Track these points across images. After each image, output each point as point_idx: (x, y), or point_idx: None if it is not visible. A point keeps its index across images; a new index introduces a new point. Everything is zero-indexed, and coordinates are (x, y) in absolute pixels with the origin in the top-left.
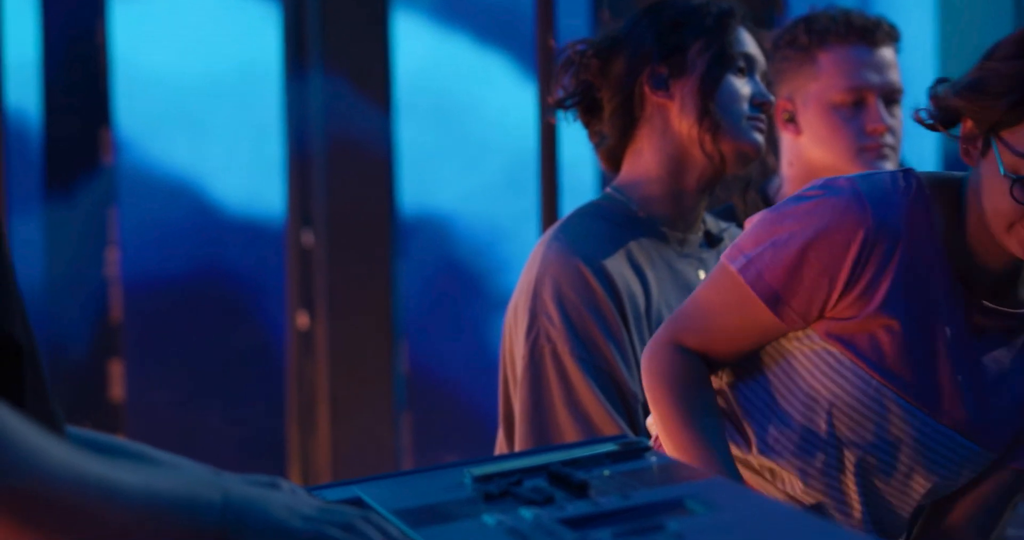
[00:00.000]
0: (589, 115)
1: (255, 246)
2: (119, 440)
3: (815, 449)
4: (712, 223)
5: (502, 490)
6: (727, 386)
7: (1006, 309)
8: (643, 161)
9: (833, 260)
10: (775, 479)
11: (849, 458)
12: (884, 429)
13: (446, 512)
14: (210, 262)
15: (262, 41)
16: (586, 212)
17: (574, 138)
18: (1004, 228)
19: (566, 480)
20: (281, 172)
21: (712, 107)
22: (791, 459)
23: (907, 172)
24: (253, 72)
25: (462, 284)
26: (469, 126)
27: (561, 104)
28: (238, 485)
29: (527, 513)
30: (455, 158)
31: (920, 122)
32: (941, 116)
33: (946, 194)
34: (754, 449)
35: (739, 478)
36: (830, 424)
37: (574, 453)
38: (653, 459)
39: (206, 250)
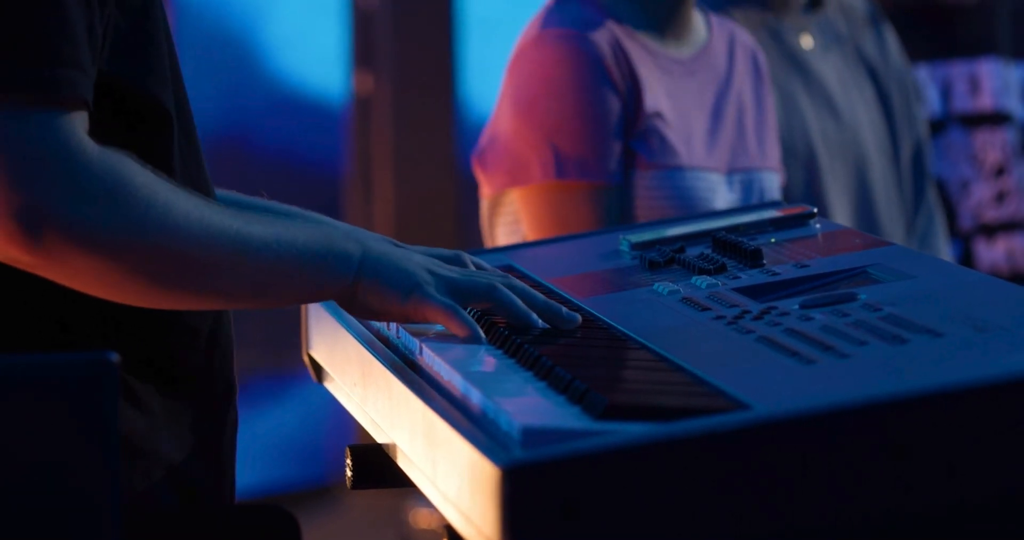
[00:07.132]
0: None
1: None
2: (269, 202)
3: None
4: None
5: (666, 258)
6: None
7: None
8: None
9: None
10: None
11: None
12: None
13: (610, 281)
14: None
15: None
16: None
17: None
18: None
19: (736, 248)
20: None
21: None
22: None
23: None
24: None
25: None
26: None
27: None
28: (380, 242)
29: (700, 282)
30: None
31: None
32: None
33: None
34: None
35: None
36: None
37: (733, 219)
38: (818, 226)
39: None
